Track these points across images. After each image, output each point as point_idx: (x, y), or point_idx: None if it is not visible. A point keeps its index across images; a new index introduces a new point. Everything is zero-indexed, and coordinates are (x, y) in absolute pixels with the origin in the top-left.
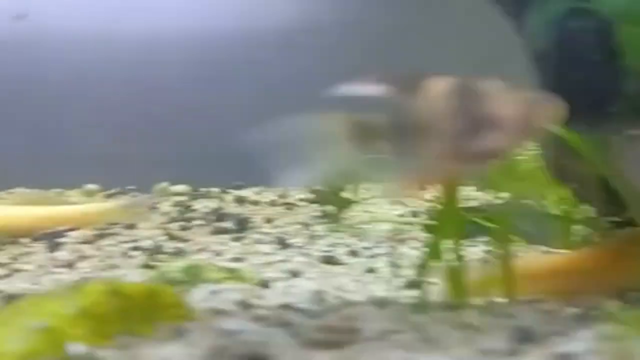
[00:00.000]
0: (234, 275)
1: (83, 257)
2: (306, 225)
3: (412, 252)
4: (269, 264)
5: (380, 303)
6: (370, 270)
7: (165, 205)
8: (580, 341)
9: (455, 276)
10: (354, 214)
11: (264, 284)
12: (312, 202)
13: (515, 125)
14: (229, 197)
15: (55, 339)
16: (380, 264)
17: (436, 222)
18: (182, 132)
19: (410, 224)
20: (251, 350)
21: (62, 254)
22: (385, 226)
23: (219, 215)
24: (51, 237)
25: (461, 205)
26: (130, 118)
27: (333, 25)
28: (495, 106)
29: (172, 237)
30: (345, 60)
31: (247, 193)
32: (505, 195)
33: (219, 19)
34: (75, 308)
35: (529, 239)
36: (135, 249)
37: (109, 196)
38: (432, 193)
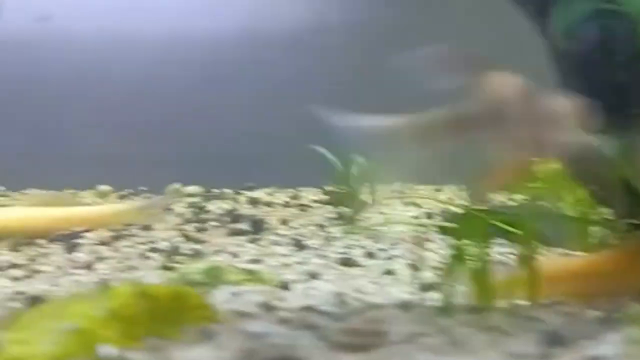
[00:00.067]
0: (253, 277)
1: (101, 259)
2: (321, 226)
3: (428, 254)
4: (287, 265)
5: (404, 306)
6: (388, 272)
7: (179, 207)
8: (609, 344)
9: (480, 279)
10: (369, 215)
11: (284, 286)
12: (326, 203)
13: (569, 124)
14: (242, 199)
15: (86, 341)
16: (397, 265)
17: (460, 224)
18: (193, 133)
19: (425, 225)
20: (280, 353)
21: (80, 256)
22: (400, 228)
23: (234, 216)
24: (68, 239)
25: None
26: (140, 119)
27: (340, 25)
28: (547, 105)
29: (188, 239)
30: (352, 61)
31: (260, 194)
32: (518, 197)
33: (226, 20)
34: (105, 310)
35: (546, 241)
36: (153, 250)
37: (122, 197)
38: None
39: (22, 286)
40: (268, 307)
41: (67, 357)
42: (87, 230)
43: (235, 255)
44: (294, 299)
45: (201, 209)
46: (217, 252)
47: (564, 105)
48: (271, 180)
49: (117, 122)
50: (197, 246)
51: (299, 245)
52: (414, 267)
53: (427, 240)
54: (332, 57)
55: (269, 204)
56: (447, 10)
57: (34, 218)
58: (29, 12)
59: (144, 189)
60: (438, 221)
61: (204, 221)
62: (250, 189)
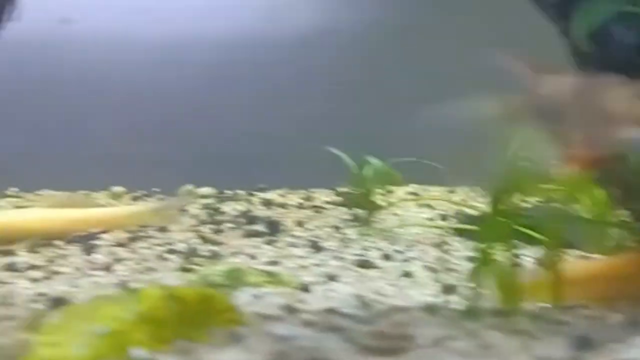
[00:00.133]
0: (273, 279)
1: (119, 260)
2: (337, 228)
3: (444, 256)
4: (304, 267)
5: (429, 309)
6: (406, 275)
7: (193, 208)
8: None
9: (506, 282)
10: (383, 217)
11: (304, 288)
12: (339, 205)
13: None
14: (255, 200)
15: (117, 344)
16: (415, 268)
17: (483, 226)
18: (204, 135)
19: (441, 227)
20: (310, 356)
21: (98, 257)
22: (416, 230)
23: (249, 218)
24: (85, 240)
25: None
26: (153, 120)
27: (351, 26)
28: (612, 98)
29: (205, 240)
30: (363, 61)
31: (272, 196)
32: (532, 199)
33: (238, 21)
34: (134, 313)
35: (564, 244)
36: (170, 251)
37: (135, 198)
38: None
39: (42, 287)
40: (290, 310)
41: None
42: (103, 232)
43: (252, 257)
44: (315, 301)
45: (216, 211)
46: (234, 254)
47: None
48: (282, 182)
49: (129, 123)
50: (215, 248)
51: (316, 247)
52: (432, 270)
53: (443, 242)
54: (342, 58)
55: (282, 206)
56: (457, 9)
57: (51, 219)
58: (51, 14)
59: (157, 190)
60: (453, 223)
61: (219, 223)
62: (263, 190)
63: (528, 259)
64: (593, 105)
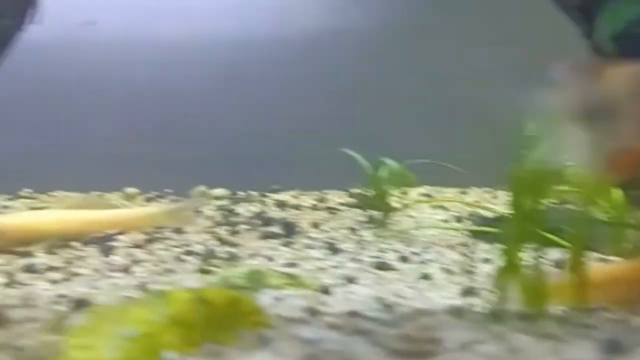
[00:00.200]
0: (294, 281)
1: (137, 262)
2: (353, 230)
3: (461, 258)
4: (322, 269)
5: (454, 312)
6: (424, 277)
7: (208, 210)
8: None
9: (532, 284)
10: (398, 219)
11: (325, 290)
12: (354, 206)
13: None
14: (269, 201)
15: (148, 347)
16: (432, 270)
17: (510, 228)
18: (216, 136)
19: (456, 229)
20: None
21: (116, 259)
22: (431, 231)
23: (265, 219)
24: (102, 241)
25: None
26: (164, 121)
27: (363, 28)
28: None
29: (222, 242)
30: (374, 62)
31: (286, 197)
32: (546, 200)
33: (251, 21)
34: (164, 316)
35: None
36: (188, 253)
37: (148, 199)
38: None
39: (62, 289)
40: (313, 312)
41: None
42: (120, 233)
43: (270, 259)
44: (337, 304)
45: (230, 212)
46: (252, 256)
47: None
48: (295, 183)
49: (141, 124)
50: (232, 249)
51: (333, 249)
52: (450, 272)
53: (459, 244)
54: (352, 58)
55: (297, 207)
56: (462, 9)
57: (68, 221)
58: (73, 17)
59: (170, 191)
60: (469, 225)
61: (234, 224)
62: (276, 191)
63: (547, 261)
64: None
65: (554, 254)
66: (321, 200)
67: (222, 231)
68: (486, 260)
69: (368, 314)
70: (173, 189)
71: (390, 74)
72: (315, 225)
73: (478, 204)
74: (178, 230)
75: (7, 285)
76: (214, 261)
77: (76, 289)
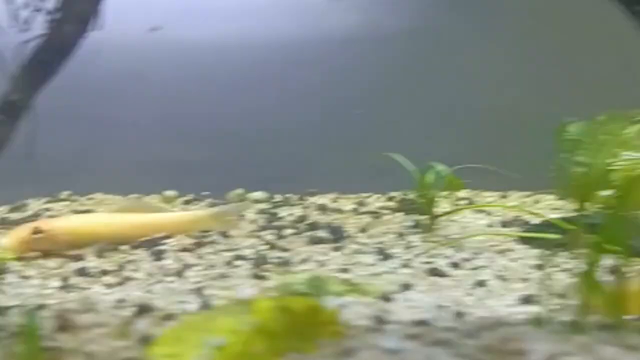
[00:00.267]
0: (354, 287)
1: (188, 266)
2: (400, 235)
3: (512, 264)
4: (376, 275)
5: (532, 322)
6: (480, 284)
7: (250, 213)
8: None
9: (612, 293)
10: (445, 224)
11: (386, 298)
12: (395, 210)
13: None
14: (309, 205)
15: (236, 357)
16: (486, 276)
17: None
18: (250, 138)
19: (505, 234)
20: None
21: (168, 263)
22: (478, 236)
23: (311, 224)
24: (150, 245)
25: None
26: (199, 123)
27: (397, 31)
28: None
29: (272, 247)
30: (407, 65)
31: (324, 200)
32: (590, 204)
33: (284, 25)
34: (249, 325)
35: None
36: (238, 258)
37: (187, 202)
38: None
39: (118, 293)
40: (380, 320)
41: None
42: (166, 237)
43: (322, 264)
44: (401, 312)
45: (273, 216)
46: (303, 261)
47: None
48: (330, 186)
49: (177, 127)
50: (283, 254)
51: (384, 254)
52: (503, 279)
53: (508, 249)
54: (382, 62)
55: (338, 211)
56: (500, 15)
57: (118, 224)
58: (135, 22)
59: (206, 193)
60: (515, 230)
61: (279, 228)
62: (313, 194)
63: (604, 268)
64: None
65: (608, 260)
66: (361, 204)
67: (269, 235)
68: (538, 267)
69: (438, 323)
70: (209, 192)
71: (420, 77)
72: (362, 230)
73: (522, 208)
74: (224, 234)
75: (63, 288)
76: (267, 266)
77: (132, 293)
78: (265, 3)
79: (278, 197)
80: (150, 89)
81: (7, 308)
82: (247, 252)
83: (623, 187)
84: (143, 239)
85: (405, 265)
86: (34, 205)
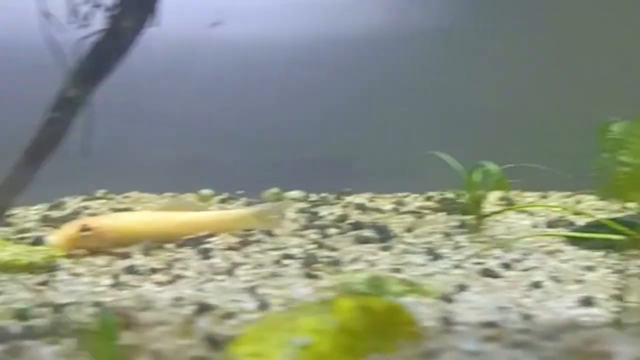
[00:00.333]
0: (414, 288)
1: (236, 265)
2: (447, 235)
3: (563, 265)
4: (428, 275)
5: (614, 324)
6: (535, 285)
7: (290, 212)
8: None
9: None
10: (491, 224)
11: (447, 298)
12: (437, 210)
13: None
14: (348, 204)
15: (320, 357)
16: (540, 278)
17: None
18: (283, 137)
19: (551, 235)
20: None
21: (216, 261)
22: (524, 237)
23: (354, 223)
24: (195, 243)
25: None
26: (230, 121)
27: (427, 29)
28: None
29: (320, 246)
30: (441, 65)
31: (361, 200)
32: (632, 204)
33: (313, 22)
34: (332, 324)
35: None
36: (286, 257)
37: (222, 201)
38: None
39: (171, 291)
40: (447, 321)
41: None
42: (210, 235)
43: (372, 264)
44: (466, 313)
45: (314, 215)
46: (353, 261)
47: None
48: (364, 186)
49: (212, 126)
50: (332, 254)
51: (433, 255)
52: (557, 280)
53: (557, 250)
54: (417, 60)
55: (378, 210)
56: (525, 16)
57: (163, 222)
58: (190, 16)
59: (241, 192)
60: (562, 230)
61: (321, 227)
62: (348, 193)
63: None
64: None
65: None
66: (400, 203)
67: (313, 235)
68: (590, 268)
69: (508, 325)
70: (243, 190)
71: (450, 77)
72: (408, 230)
73: (565, 207)
74: (268, 233)
75: (114, 286)
76: (317, 266)
77: (185, 291)
78: (289, 2)
79: (313, 197)
80: (186, 87)
81: (63, 305)
82: (295, 251)
83: None
84: (187, 237)
85: (456, 266)
86: (71, 203)
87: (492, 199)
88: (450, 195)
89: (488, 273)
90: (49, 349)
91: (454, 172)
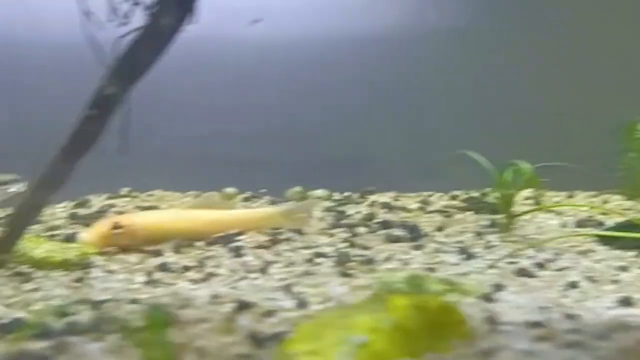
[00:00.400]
0: (454, 287)
1: (269, 263)
2: (479, 234)
3: (596, 265)
4: (463, 275)
5: None
6: (572, 285)
7: (316, 211)
8: None
9: None
10: (521, 223)
11: (487, 298)
12: (464, 209)
13: None
14: (373, 203)
15: (378, 355)
16: (576, 277)
17: None
18: (305, 136)
19: (583, 235)
20: None
21: (249, 259)
22: (554, 236)
23: (383, 222)
24: (224, 241)
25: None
26: (253, 120)
27: (443, 24)
28: None
29: (352, 245)
30: (465, 64)
31: (385, 199)
32: None
33: (338, 21)
34: (387, 323)
35: None
36: (318, 255)
37: (246, 200)
38: None
39: (205, 289)
40: (492, 321)
41: None
42: (239, 234)
43: (405, 262)
44: (509, 312)
45: (341, 214)
46: (387, 260)
47: None
48: (385, 185)
49: (234, 124)
50: (364, 252)
51: (466, 254)
52: (592, 280)
53: (589, 250)
54: (443, 60)
55: (404, 209)
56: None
57: (194, 220)
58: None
59: (264, 191)
60: (591, 229)
61: (349, 226)
62: (371, 192)
63: None
64: None
65: None
66: (425, 202)
67: (342, 233)
68: (623, 268)
69: (554, 325)
70: (266, 189)
71: (478, 75)
72: (439, 229)
73: (591, 206)
74: (297, 232)
75: (148, 283)
76: (351, 264)
77: (219, 289)
78: (307, 2)
79: (336, 195)
80: (211, 85)
81: (101, 302)
82: (326, 250)
83: None
84: (217, 235)
85: (491, 266)
86: (96, 201)
87: (518, 199)
88: (475, 194)
89: (523, 273)
90: (95, 345)
91: (477, 172)
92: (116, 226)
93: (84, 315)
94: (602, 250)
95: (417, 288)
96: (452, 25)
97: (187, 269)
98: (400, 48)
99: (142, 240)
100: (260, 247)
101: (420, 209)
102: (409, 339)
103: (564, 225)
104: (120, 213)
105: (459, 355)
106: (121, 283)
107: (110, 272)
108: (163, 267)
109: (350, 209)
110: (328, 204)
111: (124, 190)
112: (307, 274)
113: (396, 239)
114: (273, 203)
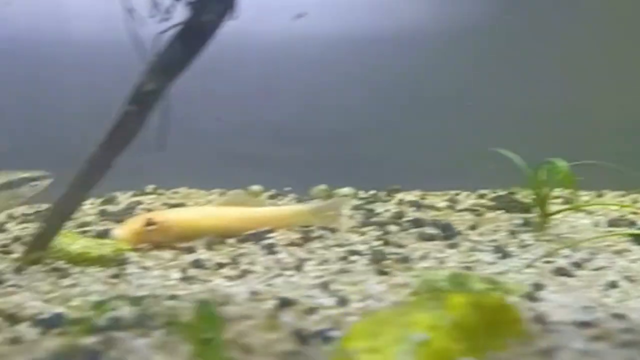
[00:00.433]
0: (497, 286)
1: (302, 260)
2: (512, 233)
3: (633, 265)
4: (500, 274)
5: None
6: (612, 285)
7: (345, 209)
8: None
9: None
10: (552, 223)
11: (530, 297)
12: (494, 208)
13: None
14: (401, 201)
15: (439, 353)
16: (614, 277)
17: None
18: (329, 134)
19: (618, 234)
20: None
21: (283, 256)
22: (588, 236)
23: (414, 220)
24: (256, 239)
25: None
26: (276, 119)
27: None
28: None
29: (386, 243)
30: (488, 62)
31: (411, 197)
32: None
33: (362, 20)
34: (447, 320)
35: None
36: (352, 253)
37: (271, 197)
38: None
39: (242, 286)
40: (541, 320)
41: None
42: (270, 231)
43: (441, 261)
44: (555, 312)
45: (370, 212)
46: (422, 258)
47: None
48: (410, 183)
49: (257, 122)
50: (399, 250)
51: (502, 252)
52: (631, 280)
53: (625, 250)
54: (467, 60)
55: (433, 208)
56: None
57: (226, 217)
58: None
59: (289, 189)
60: (626, 229)
61: (379, 224)
62: (397, 191)
63: None
64: None
65: None
66: (453, 201)
67: (373, 231)
68: None
69: (603, 324)
70: (291, 187)
71: (502, 73)
72: (472, 228)
73: (622, 205)
74: (329, 230)
75: (184, 280)
76: (386, 262)
77: (255, 286)
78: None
79: (362, 194)
80: (236, 85)
81: (140, 298)
82: (360, 248)
83: None
84: (248, 232)
85: (528, 265)
86: (122, 198)
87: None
88: (502, 192)
89: (562, 272)
90: (142, 341)
91: (502, 170)
92: (149, 223)
93: (124, 311)
94: (637, 250)
95: (460, 286)
96: (473, 21)
97: (221, 265)
98: (426, 45)
99: (175, 237)
100: (292, 244)
101: (449, 207)
102: (468, 337)
103: (596, 225)
104: (148, 210)
105: (518, 354)
106: (157, 279)
107: (146, 268)
108: (197, 264)
109: (378, 207)
110: (355, 202)
111: (149, 188)
112: (343, 271)
113: (430, 237)
114: (299, 201)
